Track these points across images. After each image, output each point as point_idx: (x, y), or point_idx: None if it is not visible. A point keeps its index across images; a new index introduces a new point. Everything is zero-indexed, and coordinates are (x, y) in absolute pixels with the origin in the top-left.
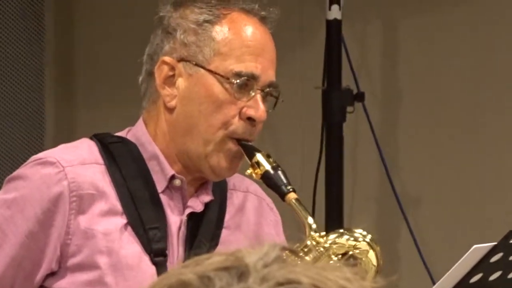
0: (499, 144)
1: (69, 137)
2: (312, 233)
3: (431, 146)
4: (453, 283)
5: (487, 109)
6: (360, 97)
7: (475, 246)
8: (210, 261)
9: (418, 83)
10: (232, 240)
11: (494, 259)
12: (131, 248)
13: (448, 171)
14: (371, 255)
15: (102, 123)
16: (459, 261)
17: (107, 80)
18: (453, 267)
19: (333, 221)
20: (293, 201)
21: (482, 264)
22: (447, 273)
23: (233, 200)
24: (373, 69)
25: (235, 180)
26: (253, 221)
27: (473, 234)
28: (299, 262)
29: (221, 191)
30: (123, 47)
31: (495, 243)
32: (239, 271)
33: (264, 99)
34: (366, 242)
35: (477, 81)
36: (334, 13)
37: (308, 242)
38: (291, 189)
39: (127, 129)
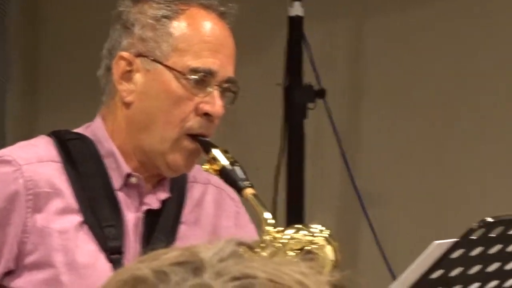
0: (463, 142)
1: (31, 137)
2: (269, 228)
3: (393, 144)
4: (413, 279)
5: (451, 108)
6: (321, 93)
7: (435, 242)
8: (166, 256)
9: (382, 80)
10: (190, 235)
11: (455, 255)
12: (87, 246)
13: (410, 169)
14: (329, 250)
15: (64, 122)
16: (419, 257)
17: (70, 80)
18: (413, 263)
19: (294, 218)
20: (251, 196)
21: (443, 260)
22: (408, 269)
23: (193, 193)
24: (337, 66)
25: (196, 172)
26: (212, 214)
27: (434, 231)
28: (255, 257)
29: (180, 185)
30: (89, 46)
31: (456, 239)
32: (194, 266)
33: (222, 94)
34: (323, 237)
35: (442, 79)
36: (296, 9)
37: (265, 237)
38: (248, 184)
39: (86, 125)
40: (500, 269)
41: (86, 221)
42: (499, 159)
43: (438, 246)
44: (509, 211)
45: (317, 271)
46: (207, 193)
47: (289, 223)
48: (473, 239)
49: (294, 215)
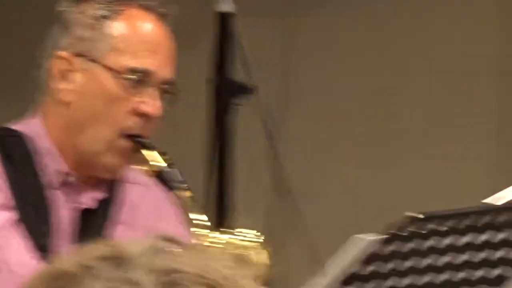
0: (394, 138)
1: None
2: (205, 231)
3: (324, 140)
4: (335, 273)
5: (381, 104)
6: (250, 90)
7: (355, 236)
8: (93, 251)
9: (312, 77)
10: (126, 236)
11: (377, 249)
12: (19, 243)
13: (341, 166)
14: (262, 255)
15: (3, 118)
16: (341, 252)
17: (13, 78)
18: (335, 258)
19: (223, 216)
20: (187, 198)
21: (366, 255)
22: (330, 264)
23: (130, 194)
24: (268, 62)
25: (134, 173)
26: (149, 215)
27: (366, 227)
28: (183, 252)
29: (117, 185)
30: (29, 43)
31: (378, 233)
32: (121, 260)
33: (160, 95)
34: (257, 242)
35: (373, 77)
36: (226, 5)
37: (201, 241)
38: (185, 187)
39: (25, 122)
40: (425, 265)
41: (20, 219)
42: (429, 154)
43: (359, 240)
44: (438, 206)
45: (246, 266)
46: (144, 195)
47: (218, 221)
48: (397, 234)
49: (223, 213)
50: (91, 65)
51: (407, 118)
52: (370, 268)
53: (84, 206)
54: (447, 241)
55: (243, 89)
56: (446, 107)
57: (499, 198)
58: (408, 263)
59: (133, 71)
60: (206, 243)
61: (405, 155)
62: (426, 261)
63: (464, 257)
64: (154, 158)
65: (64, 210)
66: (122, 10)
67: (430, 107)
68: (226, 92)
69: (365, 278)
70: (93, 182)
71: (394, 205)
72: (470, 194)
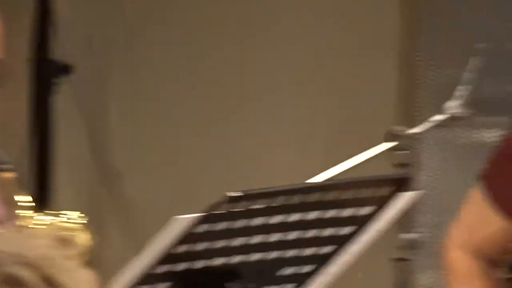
0: (215, 115)
1: None
2: (28, 212)
3: (149, 119)
4: (155, 254)
5: (200, 80)
6: (67, 69)
7: (175, 216)
8: None
9: (132, 57)
10: None
11: (198, 229)
12: None
13: (166, 143)
14: (84, 237)
15: None
16: (161, 232)
17: None
18: (155, 239)
19: (44, 197)
20: (11, 179)
21: (186, 235)
22: (150, 245)
23: None
24: (86, 41)
25: None
26: None
27: (183, 207)
28: (2, 232)
29: None
30: None
31: (198, 214)
32: None
33: None
34: (80, 224)
35: (194, 50)
36: None
37: (23, 222)
38: (9, 168)
39: None
40: (245, 244)
41: None
42: (265, 132)
43: (179, 221)
44: (265, 184)
45: (67, 247)
46: None
47: (39, 201)
48: (217, 213)
49: (44, 193)
50: None
51: (245, 93)
52: (183, 247)
53: None
54: (260, 220)
55: (62, 69)
56: (280, 82)
57: (320, 177)
58: (221, 243)
59: None
60: (29, 225)
61: (240, 131)
62: (239, 241)
63: (276, 236)
64: None
65: None
66: None
67: (278, 77)
68: (46, 71)
69: (178, 258)
70: None
71: (222, 184)
72: (304, 172)
